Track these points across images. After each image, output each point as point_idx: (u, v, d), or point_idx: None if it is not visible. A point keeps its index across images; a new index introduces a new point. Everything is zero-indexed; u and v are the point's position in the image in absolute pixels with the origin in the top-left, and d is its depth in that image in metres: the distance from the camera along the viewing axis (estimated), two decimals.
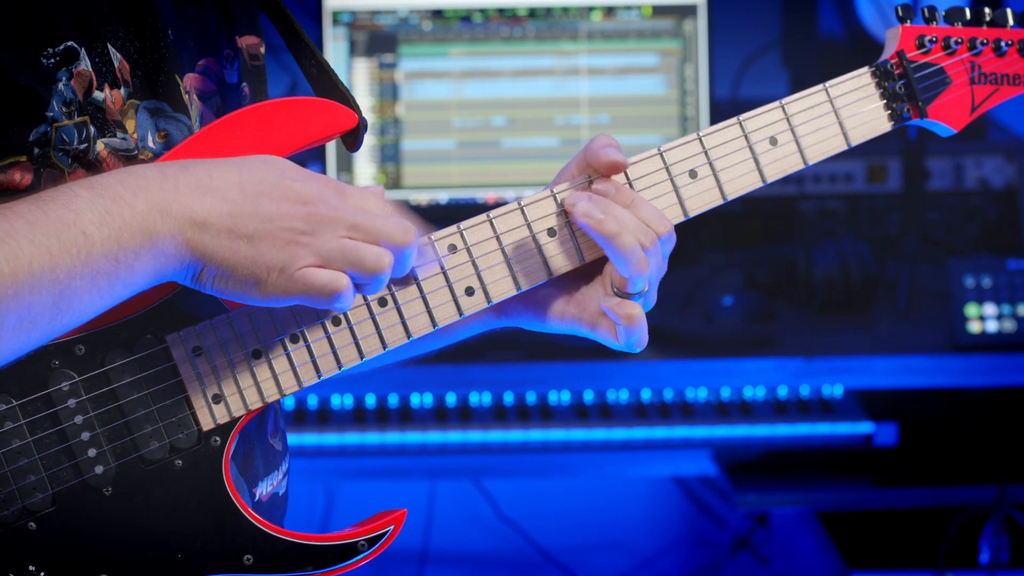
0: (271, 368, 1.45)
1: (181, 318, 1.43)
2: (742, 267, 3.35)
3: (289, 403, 3.07)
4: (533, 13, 3.32)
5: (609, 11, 3.32)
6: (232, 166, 1.37)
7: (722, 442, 3.09)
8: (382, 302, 1.47)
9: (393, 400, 3.10)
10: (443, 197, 3.32)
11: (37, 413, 1.40)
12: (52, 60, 1.38)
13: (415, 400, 3.10)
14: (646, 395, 3.11)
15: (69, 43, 1.39)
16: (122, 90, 1.43)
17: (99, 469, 1.41)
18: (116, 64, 1.43)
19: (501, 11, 3.32)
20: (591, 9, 3.32)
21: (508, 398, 3.12)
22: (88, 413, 1.41)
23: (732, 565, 3.75)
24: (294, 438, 3.02)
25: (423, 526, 3.77)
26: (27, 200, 1.32)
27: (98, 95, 1.41)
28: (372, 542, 1.47)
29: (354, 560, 1.47)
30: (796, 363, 3.04)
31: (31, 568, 1.39)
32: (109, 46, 1.42)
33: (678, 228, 1.55)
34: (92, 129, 1.41)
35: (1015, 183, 3.50)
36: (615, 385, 3.09)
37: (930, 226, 3.47)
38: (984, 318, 3.07)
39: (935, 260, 3.36)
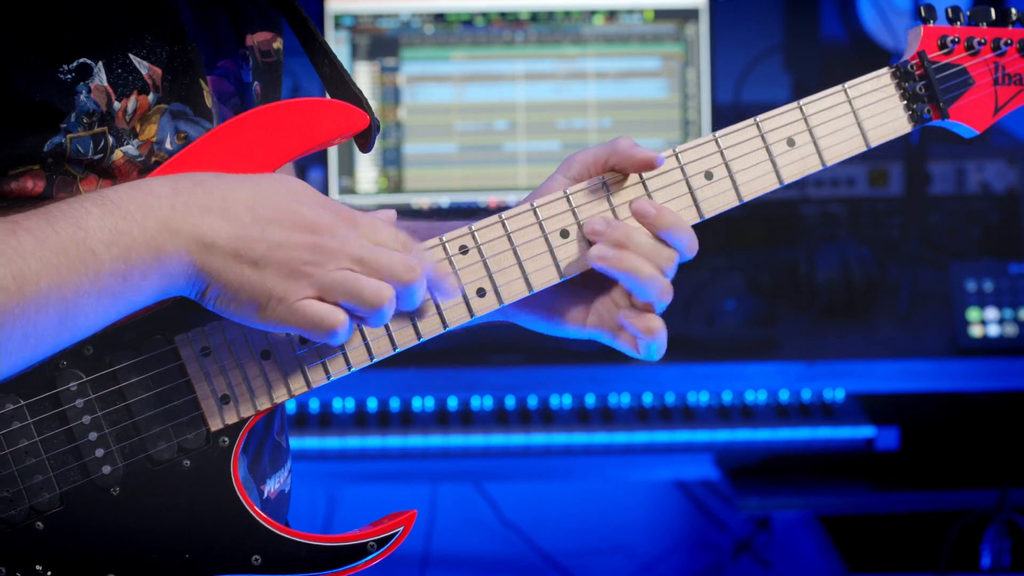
0: (280, 369, 1.45)
1: (190, 319, 1.43)
2: (744, 271, 3.35)
3: (291, 407, 3.06)
4: (535, 17, 3.32)
5: (611, 15, 3.32)
6: (246, 186, 1.37)
7: (724, 446, 3.09)
8: None
9: (395, 404, 3.10)
10: (445, 201, 3.32)
11: (45, 413, 1.40)
12: (69, 76, 1.38)
13: (416, 404, 3.10)
14: (648, 398, 3.11)
15: (82, 59, 1.39)
16: (151, 96, 1.43)
17: (106, 469, 1.41)
18: (145, 71, 1.43)
19: (503, 15, 3.32)
20: (593, 13, 3.32)
21: (510, 401, 3.11)
22: (96, 413, 1.41)
23: (734, 569, 3.75)
24: (296, 442, 3.02)
25: (425, 529, 3.77)
26: (37, 214, 1.32)
27: (116, 106, 1.41)
28: (381, 543, 1.47)
29: (363, 561, 1.47)
30: (798, 367, 3.04)
31: (38, 567, 1.40)
32: (132, 56, 1.42)
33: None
34: (111, 139, 1.41)
35: (1016, 187, 3.50)
36: (617, 388, 3.09)
37: (932, 230, 3.47)
38: (985, 322, 3.07)
39: (937, 264, 3.36)
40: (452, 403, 3.10)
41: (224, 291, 1.35)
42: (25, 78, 1.35)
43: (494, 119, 3.33)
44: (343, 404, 3.09)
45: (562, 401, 3.11)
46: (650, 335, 1.51)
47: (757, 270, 3.32)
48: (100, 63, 1.40)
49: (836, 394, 3.13)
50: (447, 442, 3.06)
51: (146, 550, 1.42)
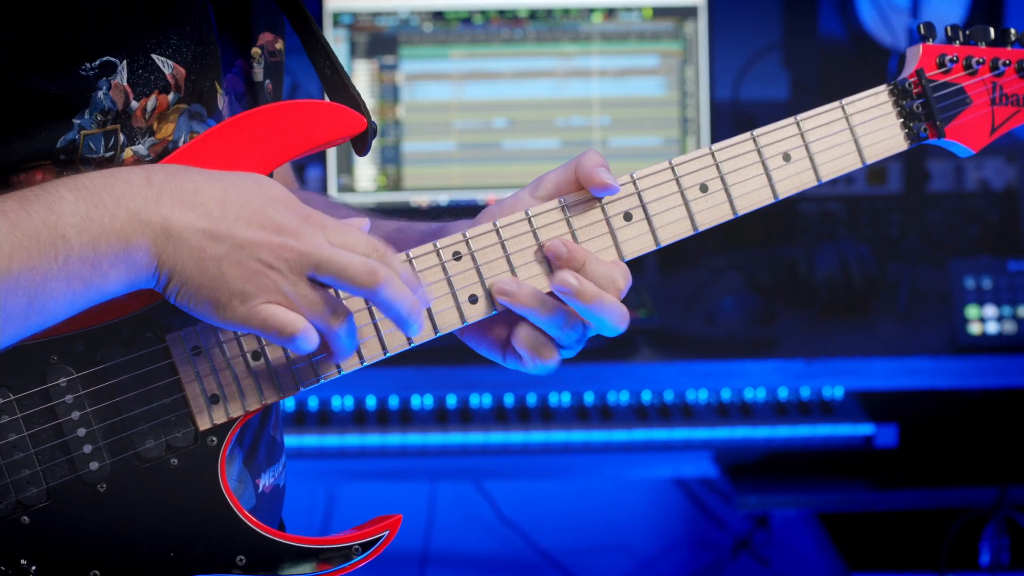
0: (270, 370, 1.45)
1: (182, 317, 1.43)
2: (743, 269, 3.35)
3: (290, 404, 3.06)
4: (534, 15, 3.32)
5: (610, 13, 3.32)
6: (220, 183, 1.37)
7: (723, 443, 3.09)
8: None
9: (394, 402, 3.10)
10: (443, 199, 3.32)
11: (34, 407, 1.40)
12: (92, 72, 1.39)
13: (416, 402, 3.10)
14: (647, 396, 3.11)
15: (107, 57, 1.40)
16: (171, 95, 1.44)
17: (94, 465, 1.42)
18: (168, 71, 1.44)
19: (502, 13, 3.32)
20: (592, 11, 3.32)
21: (509, 399, 3.11)
22: (85, 409, 1.41)
23: (733, 567, 3.75)
24: (295, 439, 3.02)
25: (424, 527, 3.77)
26: (12, 197, 1.33)
27: (133, 105, 1.42)
28: (367, 546, 1.47)
29: (348, 564, 1.47)
30: (797, 365, 3.04)
31: (23, 562, 1.40)
32: (154, 56, 1.43)
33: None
34: (122, 137, 1.42)
35: (1015, 185, 3.50)
36: (616, 386, 3.09)
37: (930, 228, 3.47)
38: (984, 319, 3.07)
39: (936, 262, 3.36)
40: (451, 401, 3.10)
41: (185, 286, 1.35)
42: (45, 73, 1.36)
43: (493, 117, 3.33)
44: (342, 402, 3.09)
45: (561, 399, 3.11)
46: (540, 357, 1.52)
47: (756, 268, 3.32)
48: (124, 62, 1.41)
49: (835, 392, 3.13)
50: (446, 440, 3.06)
51: (131, 547, 1.42)
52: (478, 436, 3.07)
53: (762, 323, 3.15)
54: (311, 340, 1.37)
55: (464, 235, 1.50)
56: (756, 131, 1.57)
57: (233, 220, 1.35)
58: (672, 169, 1.54)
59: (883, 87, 1.61)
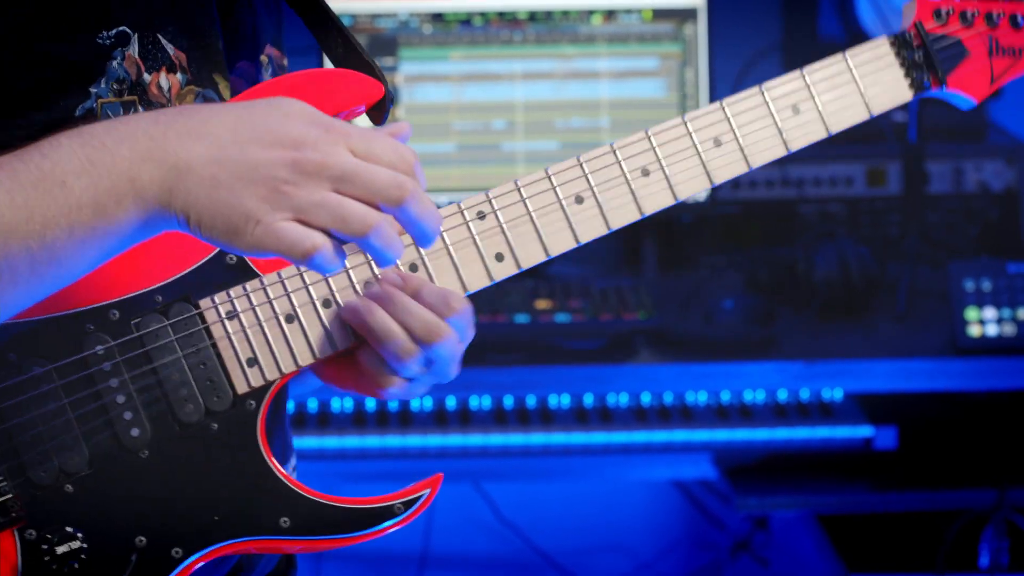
0: (304, 332, 1.46)
1: (215, 283, 1.44)
2: (742, 270, 3.35)
3: (289, 406, 3.06)
4: (533, 16, 3.32)
5: (609, 14, 3.32)
6: (232, 111, 1.30)
7: (722, 445, 3.09)
8: (412, 267, 1.49)
9: (393, 403, 3.10)
10: (443, 200, 3.32)
11: (72, 375, 1.41)
12: (108, 40, 1.40)
13: (415, 403, 3.10)
14: (646, 398, 3.11)
15: (122, 28, 1.41)
16: (179, 75, 1.45)
17: (135, 432, 1.42)
18: (171, 52, 1.45)
19: (501, 14, 3.32)
20: (591, 13, 3.32)
21: (508, 401, 3.11)
22: (123, 376, 1.42)
23: (732, 568, 3.75)
24: (294, 441, 3.01)
25: (423, 529, 3.77)
26: (14, 153, 1.29)
27: (146, 77, 1.43)
28: (408, 505, 1.48)
29: (392, 522, 1.48)
30: (796, 366, 3.04)
31: (68, 529, 1.40)
32: (160, 36, 1.44)
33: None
34: (141, 109, 1.42)
35: (1015, 186, 3.50)
36: (615, 388, 3.09)
37: (930, 229, 3.47)
38: (984, 321, 3.07)
39: (935, 263, 3.36)
40: (450, 403, 3.10)
41: (204, 217, 1.27)
42: (64, 38, 1.37)
43: (492, 119, 3.33)
44: (341, 404, 3.09)
45: (560, 401, 3.11)
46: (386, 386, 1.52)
47: (755, 269, 3.32)
48: (136, 35, 1.42)
49: (834, 393, 3.13)
50: (445, 442, 3.06)
51: (176, 513, 1.43)
52: (478, 438, 3.06)
53: (761, 324, 3.15)
54: (329, 257, 1.28)
55: (487, 194, 1.53)
56: (764, 84, 1.60)
57: (245, 142, 1.28)
58: (685, 124, 1.57)
59: (883, 38, 1.64)
